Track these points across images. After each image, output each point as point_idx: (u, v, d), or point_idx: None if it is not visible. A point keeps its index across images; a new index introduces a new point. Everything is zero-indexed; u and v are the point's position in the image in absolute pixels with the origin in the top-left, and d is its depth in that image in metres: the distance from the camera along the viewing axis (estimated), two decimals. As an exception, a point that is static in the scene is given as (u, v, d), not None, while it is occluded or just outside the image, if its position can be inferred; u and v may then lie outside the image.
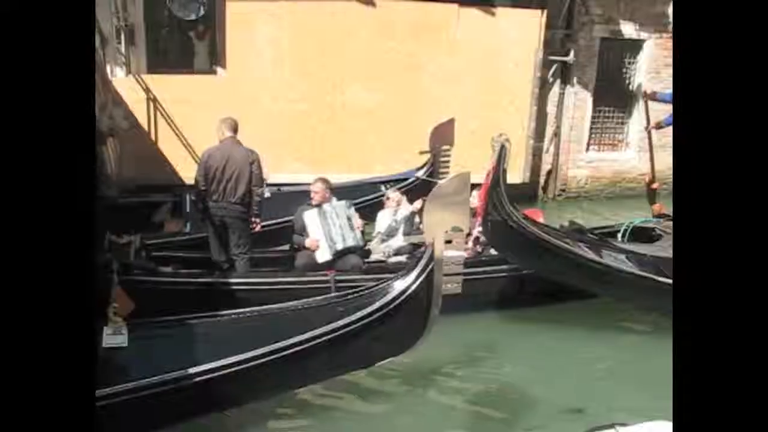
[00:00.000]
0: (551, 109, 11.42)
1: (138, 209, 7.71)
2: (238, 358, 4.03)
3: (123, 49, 9.02)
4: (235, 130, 6.32)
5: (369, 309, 4.32)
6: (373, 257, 6.66)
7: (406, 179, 8.75)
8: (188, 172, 8.94)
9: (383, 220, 7.11)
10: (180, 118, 8.96)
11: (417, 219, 6.89)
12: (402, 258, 6.55)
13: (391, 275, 5.32)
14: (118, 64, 9.09)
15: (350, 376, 4.83)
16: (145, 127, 8.88)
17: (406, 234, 6.83)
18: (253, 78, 9.08)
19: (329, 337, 4.24)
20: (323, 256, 6.14)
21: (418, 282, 4.33)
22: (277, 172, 9.25)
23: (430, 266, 4.27)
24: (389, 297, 4.34)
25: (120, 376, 3.93)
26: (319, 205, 6.31)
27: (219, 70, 9.54)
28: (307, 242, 6.21)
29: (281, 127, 9.27)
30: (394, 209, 7.11)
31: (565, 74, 11.35)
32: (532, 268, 6.23)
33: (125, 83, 8.84)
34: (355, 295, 4.57)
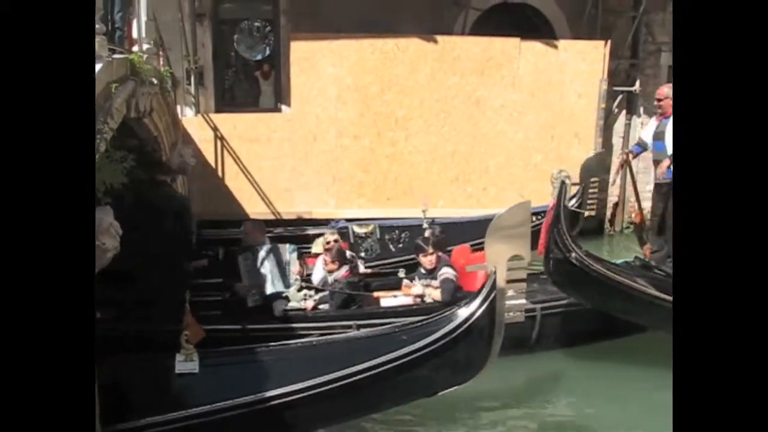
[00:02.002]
0: (617, 140, 11.22)
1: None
2: (303, 385, 4.08)
3: (193, 90, 9.36)
4: None
5: (432, 337, 4.29)
6: (292, 305, 6.05)
7: None
8: (254, 208, 9.18)
9: (318, 271, 6.45)
10: (246, 155, 9.21)
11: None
12: (326, 306, 6.03)
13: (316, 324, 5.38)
14: (188, 104, 9.44)
15: (412, 406, 4.81)
16: (213, 164, 9.14)
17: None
18: (317, 115, 9.27)
19: (393, 365, 4.22)
20: (252, 300, 5.92)
21: (481, 310, 4.28)
22: (341, 208, 9.40)
23: (493, 295, 4.23)
24: (452, 325, 4.31)
25: (191, 400, 4.06)
26: (250, 248, 6.14)
27: (284, 108, 9.78)
28: (237, 286, 6.04)
29: (345, 163, 9.40)
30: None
31: (631, 104, 11.17)
32: (595, 305, 6.06)
33: (194, 122, 9.16)
34: (419, 323, 4.55)
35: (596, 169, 8.75)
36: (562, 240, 5.62)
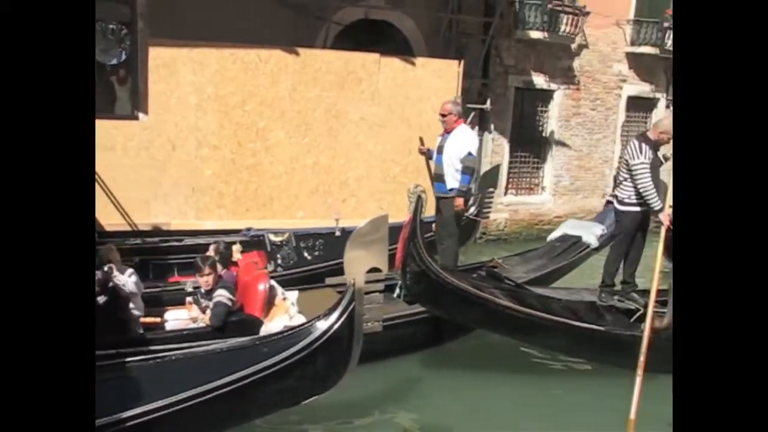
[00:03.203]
0: (470, 155, 11.83)
1: None
2: (164, 402, 3.98)
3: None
4: None
5: (294, 349, 4.37)
6: None
7: None
8: (109, 219, 8.85)
9: None
10: (101, 163, 8.84)
11: None
12: None
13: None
14: (37, 110, 8.96)
15: (276, 416, 4.87)
16: (65, 172, 8.73)
17: None
18: (175, 124, 9.08)
19: (255, 377, 4.25)
20: None
21: (340, 321, 4.43)
22: (201, 219, 9.26)
23: (352, 305, 4.40)
24: (313, 336, 4.42)
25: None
26: None
27: (141, 115, 9.50)
28: None
29: (205, 174, 9.28)
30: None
31: (483, 121, 11.87)
32: (450, 316, 6.34)
33: (44, 128, 8.70)
34: (280, 335, 4.63)
35: (492, 180, 9.84)
36: (418, 254, 5.70)
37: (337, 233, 8.28)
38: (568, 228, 8.85)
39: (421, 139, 7.93)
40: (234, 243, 7.98)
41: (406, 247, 5.77)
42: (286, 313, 5.77)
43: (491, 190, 9.60)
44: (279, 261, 7.64)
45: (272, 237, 7.94)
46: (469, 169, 7.05)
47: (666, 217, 6.49)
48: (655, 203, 6.53)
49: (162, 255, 7.68)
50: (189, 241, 8.26)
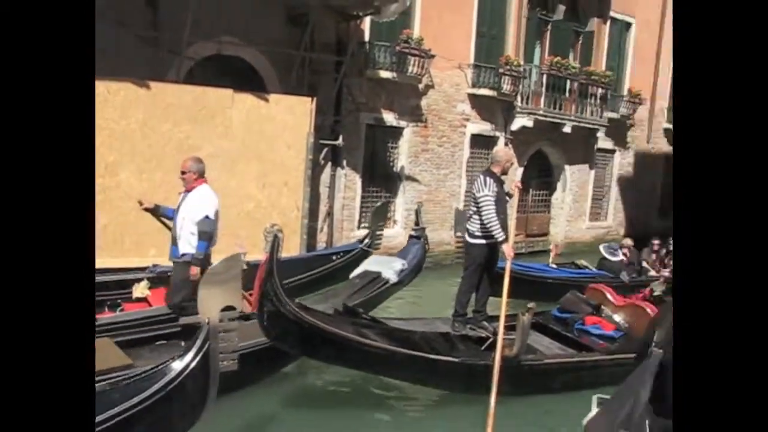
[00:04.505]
0: (324, 189, 12.09)
1: None
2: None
3: None
4: None
5: (146, 393, 4.24)
6: None
7: (353, 250, 10.44)
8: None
9: None
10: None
11: None
12: None
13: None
14: None
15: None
16: None
17: None
18: (15, 158, 8.63)
19: (105, 426, 4.06)
20: None
21: (195, 361, 4.39)
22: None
23: (207, 345, 4.38)
24: (167, 378, 4.33)
25: None
26: None
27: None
28: None
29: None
30: None
31: (335, 157, 12.17)
32: (311, 355, 6.41)
33: None
34: (131, 379, 4.50)
35: (382, 215, 10.94)
36: (275, 293, 5.64)
37: (244, 266, 8.21)
38: (369, 264, 9.17)
39: (139, 201, 7.77)
40: (141, 280, 7.85)
41: (263, 286, 5.63)
42: None
43: (381, 224, 10.25)
44: None
45: None
46: (205, 234, 6.52)
47: (508, 248, 6.99)
48: (498, 234, 7.02)
49: None
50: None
